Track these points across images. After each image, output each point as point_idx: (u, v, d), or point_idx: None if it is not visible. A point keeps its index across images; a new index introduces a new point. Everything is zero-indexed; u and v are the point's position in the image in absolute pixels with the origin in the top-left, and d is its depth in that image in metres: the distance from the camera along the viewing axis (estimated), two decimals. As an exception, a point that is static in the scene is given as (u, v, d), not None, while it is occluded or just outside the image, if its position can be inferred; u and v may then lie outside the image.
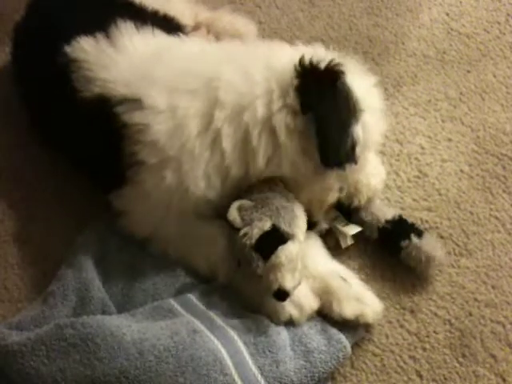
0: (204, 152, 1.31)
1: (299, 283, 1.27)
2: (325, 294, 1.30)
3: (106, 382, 1.15)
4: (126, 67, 1.39)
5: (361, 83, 1.33)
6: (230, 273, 1.34)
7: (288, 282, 1.23)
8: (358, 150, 1.30)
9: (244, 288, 1.33)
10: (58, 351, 1.18)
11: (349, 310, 1.29)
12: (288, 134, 1.29)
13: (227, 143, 1.30)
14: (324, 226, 1.42)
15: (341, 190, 1.40)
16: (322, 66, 1.29)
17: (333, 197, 1.40)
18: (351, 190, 1.43)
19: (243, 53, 1.39)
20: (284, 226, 1.27)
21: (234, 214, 1.28)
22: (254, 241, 1.25)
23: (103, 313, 1.31)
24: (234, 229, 1.28)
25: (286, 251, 1.24)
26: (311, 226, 1.37)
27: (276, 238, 1.25)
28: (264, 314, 1.29)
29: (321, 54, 1.33)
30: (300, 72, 1.29)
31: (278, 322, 1.28)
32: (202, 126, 1.31)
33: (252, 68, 1.33)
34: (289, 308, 1.28)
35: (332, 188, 1.37)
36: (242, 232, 1.26)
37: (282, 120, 1.29)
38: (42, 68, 1.49)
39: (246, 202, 1.30)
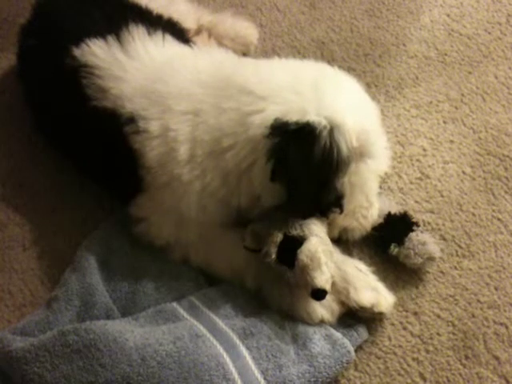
0: (195, 180, 1.30)
1: (331, 276, 1.26)
2: (342, 282, 1.31)
3: (110, 389, 1.16)
4: (136, 78, 1.36)
5: (355, 126, 1.24)
6: (257, 278, 1.34)
7: (318, 280, 1.24)
8: (342, 201, 1.30)
9: (273, 292, 1.33)
10: (61, 357, 1.18)
11: (365, 298, 1.30)
12: (262, 188, 1.28)
13: (212, 178, 1.29)
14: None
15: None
16: (297, 126, 1.21)
17: None
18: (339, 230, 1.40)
19: (234, 91, 1.28)
20: (295, 231, 1.28)
21: (248, 240, 1.31)
22: (274, 256, 1.27)
23: (107, 317, 1.31)
24: (253, 252, 1.31)
25: (305, 251, 1.25)
26: None
27: (292, 245, 1.27)
28: (297, 317, 1.30)
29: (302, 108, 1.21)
30: (272, 134, 1.22)
31: (311, 324, 1.29)
32: (190, 154, 1.29)
33: (227, 116, 1.26)
34: (320, 310, 1.30)
35: None
36: (261, 253, 1.29)
37: (254, 175, 1.27)
38: (50, 71, 1.45)
39: (255, 226, 1.32)
